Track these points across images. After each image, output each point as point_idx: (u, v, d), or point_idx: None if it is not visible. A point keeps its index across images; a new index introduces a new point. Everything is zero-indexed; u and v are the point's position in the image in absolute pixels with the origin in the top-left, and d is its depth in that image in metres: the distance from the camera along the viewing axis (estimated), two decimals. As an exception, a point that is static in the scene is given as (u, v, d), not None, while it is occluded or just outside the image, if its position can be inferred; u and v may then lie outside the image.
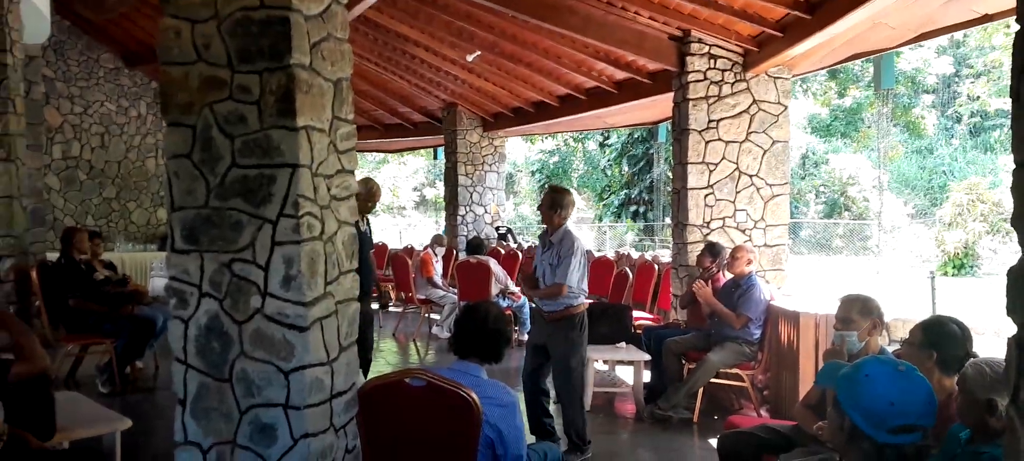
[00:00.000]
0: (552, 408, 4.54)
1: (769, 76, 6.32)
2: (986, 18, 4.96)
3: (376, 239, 9.18)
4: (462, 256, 9.46)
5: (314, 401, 2.46)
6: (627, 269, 7.66)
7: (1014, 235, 1.30)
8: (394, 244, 15.12)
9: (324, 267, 2.53)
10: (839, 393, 1.93)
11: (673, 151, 6.80)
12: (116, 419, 3.39)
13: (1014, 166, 1.28)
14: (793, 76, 6.51)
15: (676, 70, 6.45)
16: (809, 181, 25.21)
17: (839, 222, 24.37)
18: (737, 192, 6.37)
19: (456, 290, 7.95)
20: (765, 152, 6.39)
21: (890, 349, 3.09)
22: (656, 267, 7.63)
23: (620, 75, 8.01)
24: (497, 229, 12.16)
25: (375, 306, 9.89)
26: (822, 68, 6.89)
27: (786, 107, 6.43)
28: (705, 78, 6.26)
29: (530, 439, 3.82)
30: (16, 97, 5.31)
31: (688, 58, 6.24)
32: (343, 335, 2.66)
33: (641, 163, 24.62)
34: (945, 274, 17.00)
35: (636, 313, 6.78)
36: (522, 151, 29.17)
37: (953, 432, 2.13)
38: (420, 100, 11.73)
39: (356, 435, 2.68)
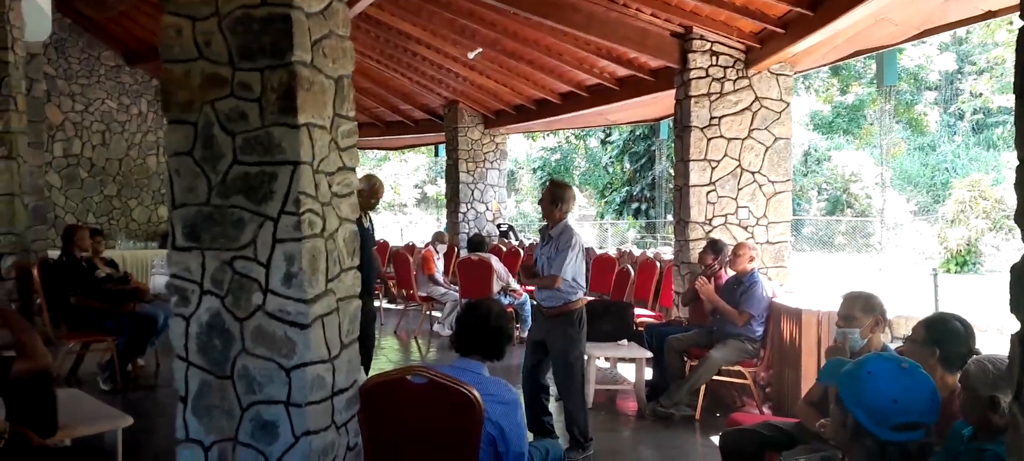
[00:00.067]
0: (553, 406, 4.54)
1: (771, 73, 6.31)
2: (989, 14, 4.95)
3: (378, 236, 9.17)
4: (463, 253, 9.46)
5: (315, 398, 2.45)
6: (629, 266, 7.66)
7: (1017, 232, 1.30)
8: (395, 241, 15.12)
9: (325, 264, 2.53)
10: (842, 390, 1.93)
11: (675, 148, 6.79)
12: (117, 416, 3.40)
13: (1017, 163, 1.27)
14: (795, 73, 6.49)
15: (678, 67, 6.44)
16: (811, 178, 25.16)
17: (841, 219, 24.31)
18: (739, 189, 6.36)
19: (457, 287, 7.94)
20: (767, 149, 6.38)
21: (893, 346, 3.08)
22: (658, 264, 7.62)
23: (622, 72, 7.99)
24: (498, 226, 12.15)
25: (385, 303, 9.91)
26: (824, 65, 6.88)
27: (788, 104, 6.42)
28: (707, 75, 6.25)
29: (529, 437, 3.81)
30: (17, 95, 5.31)
31: (690, 55, 6.23)
32: (344, 332, 2.66)
33: (643, 160, 24.58)
34: (948, 271, 16.99)
35: (638, 310, 6.78)
36: (524, 148, 29.14)
37: (956, 429, 2.12)
38: (421, 97, 11.71)
39: (358, 432, 2.68)
